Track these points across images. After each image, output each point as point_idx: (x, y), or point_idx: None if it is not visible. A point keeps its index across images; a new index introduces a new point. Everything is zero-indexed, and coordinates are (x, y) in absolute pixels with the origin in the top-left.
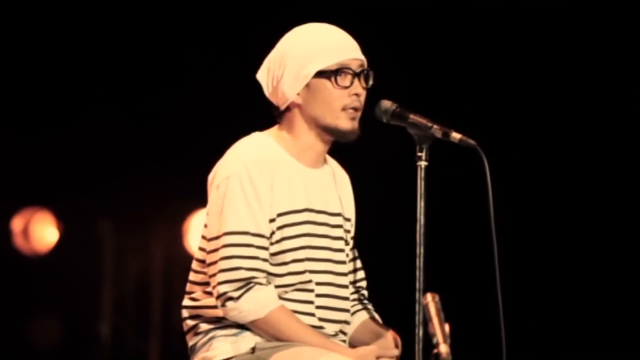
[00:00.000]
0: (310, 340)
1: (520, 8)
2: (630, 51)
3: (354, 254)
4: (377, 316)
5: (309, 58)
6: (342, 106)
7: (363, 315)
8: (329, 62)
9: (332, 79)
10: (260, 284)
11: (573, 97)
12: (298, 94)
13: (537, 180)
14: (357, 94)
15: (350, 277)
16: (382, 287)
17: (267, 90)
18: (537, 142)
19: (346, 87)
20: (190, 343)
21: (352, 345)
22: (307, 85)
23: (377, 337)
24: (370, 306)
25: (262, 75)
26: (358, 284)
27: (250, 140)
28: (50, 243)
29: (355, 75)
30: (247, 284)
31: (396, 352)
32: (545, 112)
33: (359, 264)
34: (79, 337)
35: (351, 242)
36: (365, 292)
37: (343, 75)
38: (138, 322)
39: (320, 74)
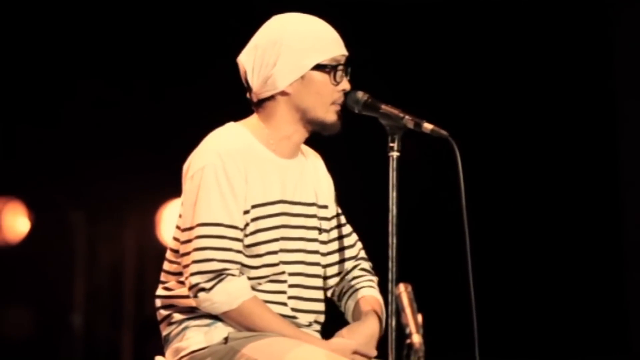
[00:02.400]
0: (282, 331)
1: (489, 2)
2: (600, 49)
3: (341, 232)
4: (372, 294)
5: (308, 49)
6: (332, 100)
7: (357, 296)
8: (326, 56)
9: (331, 74)
10: (232, 275)
11: (543, 88)
12: (290, 84)
13: (510, 170)
14: (344, 89)
15: (334, 258)
16: None
17: (251, 76)
18: (510, 133)
19: (339, 83)
20: (164, 333)
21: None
22: (302, 77)
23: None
24: (366, 282)
25: (247, 59)
26: (358, 257)
27: (224, 131)
28: (22, 233)
29: (345, 71)
30: (219, 275)
31: (374, 352)
32: (518, 103)
33: (353, 238)
34: (52, 328)
35: (332, 224)
36: (365, 265)
37: (338, 70)
38: (111, 312)
39: (319, 67)
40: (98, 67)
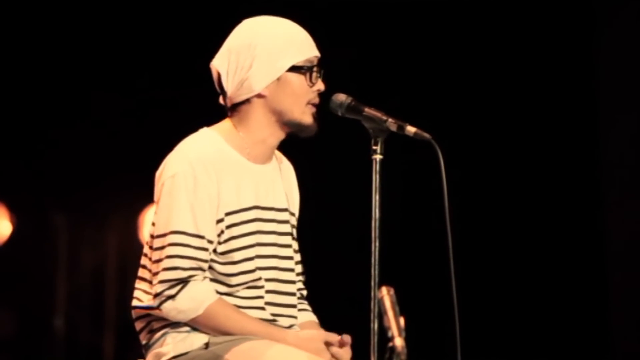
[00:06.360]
0: (251, 329)
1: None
2: (582, 51)
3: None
4: (311, 318)
5: (283, 51)
6: (308, 101)
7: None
8: (301, 57)
9: (307, 75)
10: (195, 281)
11: (527, 92)
12: (266, 87)
13: (493, 173)
14: (319, 90)
15: (298, 268)
16: (338, 280)
17: (226, 80)
18: (494, 136)
19: (314, 84)
20: (144, 341)
21: None
22: (278, 79)
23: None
24: (308, 308)
25: (220, 64)
26: (298, 280)
27: (197, 138)
28: (4, 236)
29: (319, 72)
30: (183, 282)
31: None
32: (501, 107)
33: (298, 257)
34: (33, 331)
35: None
36: (304, 292)
37: (314, 72)
38: (93, 315)
39: (294, 69)
40: (71, 72)
